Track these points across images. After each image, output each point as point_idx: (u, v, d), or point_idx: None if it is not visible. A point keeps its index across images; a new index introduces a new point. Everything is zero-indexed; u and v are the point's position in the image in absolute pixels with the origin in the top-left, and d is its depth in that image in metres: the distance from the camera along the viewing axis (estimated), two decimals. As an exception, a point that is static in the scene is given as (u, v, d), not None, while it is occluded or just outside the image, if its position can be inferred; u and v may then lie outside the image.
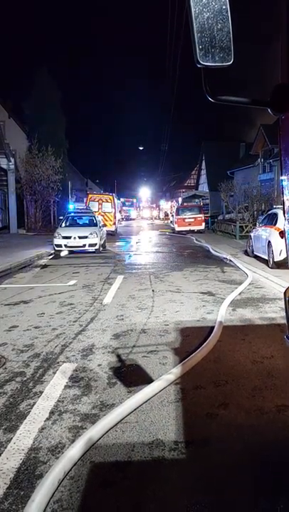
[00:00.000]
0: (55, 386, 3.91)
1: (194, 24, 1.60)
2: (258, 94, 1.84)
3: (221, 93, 1.78)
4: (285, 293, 2.42)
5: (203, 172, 47.37)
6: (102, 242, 16.22)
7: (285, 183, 2.16)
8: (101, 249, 16.03)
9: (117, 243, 20.74)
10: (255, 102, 1.86)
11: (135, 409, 3.39)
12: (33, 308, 7.04)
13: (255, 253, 12.81)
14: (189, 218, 26.85)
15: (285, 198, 2.20)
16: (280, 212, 10.44)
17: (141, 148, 71.11)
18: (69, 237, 15.01)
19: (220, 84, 1.76)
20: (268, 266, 10.82)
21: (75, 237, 15.04)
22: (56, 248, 14.95)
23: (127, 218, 53.02)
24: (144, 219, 58.39)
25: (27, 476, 2.61)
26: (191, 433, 3.07)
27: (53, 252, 15.22)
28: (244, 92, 1.80)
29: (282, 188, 2.23)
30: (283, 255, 9.76)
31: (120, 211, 44.55)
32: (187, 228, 26.55)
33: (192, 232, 26.17)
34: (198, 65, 1.66)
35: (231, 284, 8.97)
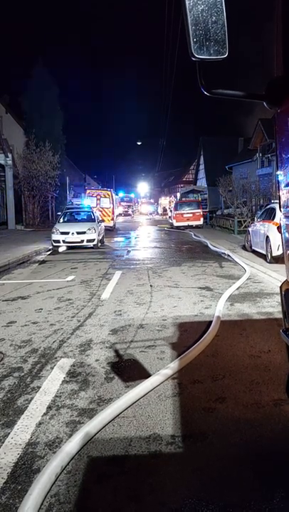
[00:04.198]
0: (53, 381, 3.92)
1: (188, 17, 1.58)
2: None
3: (217, 86, 1.77)
4: (281, 287, 2.42)
5: (202, 167, 47.33)
6: (100, 237, 16.21)
7: (280, 178, 2.15)
8: (99, 244, 16.04)
9: (116, 238, 20.73)
10: (250, 96, 1.85)
11: (133, 404, 3.39)
12: (31, 304, 7.04)
13: (253, 248, 12.82)
14: (188, 213, 26.82)
15: (280, 192, 2.19)
16: (278, 207, 10.43)
17: (139, 143, 70.86)
18: (67, 233, 15.00)
19: (215, 77, 1.75)
20: (266, 261, 10.83)
21: (73, 233, 15.03)
22: (54, 244, 14.94)
23: (126, 214, 52.91)
24: (142, 214, 58.30)
25: (24, 470, 2.62)
26: (188, 427, 3.08)
27: (51, 247, 15.21)
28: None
29: (278, 182, 2.22)
30: (281, 250, 9.76)
31: (118, 206, 44.44)
32: (186, 223, 26.53)
33: (190, 227, 26.16)
34: (193, 59, 1.64)
35: (229, 279, 8.98)
